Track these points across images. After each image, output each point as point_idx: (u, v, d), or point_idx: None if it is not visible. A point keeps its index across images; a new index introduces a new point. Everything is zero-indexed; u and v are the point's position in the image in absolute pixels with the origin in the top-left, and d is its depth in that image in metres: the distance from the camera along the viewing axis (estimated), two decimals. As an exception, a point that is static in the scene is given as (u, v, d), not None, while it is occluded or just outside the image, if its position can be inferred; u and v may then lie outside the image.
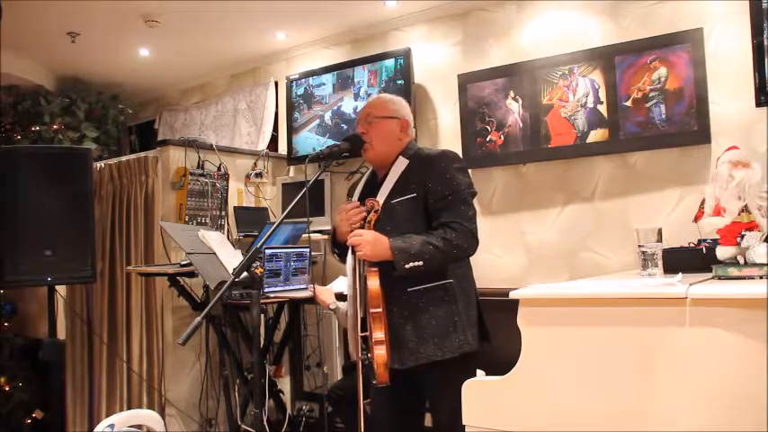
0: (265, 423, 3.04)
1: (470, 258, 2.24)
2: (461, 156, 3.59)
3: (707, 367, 1.45)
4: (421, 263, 1.98)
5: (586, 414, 1.58)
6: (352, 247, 2.03)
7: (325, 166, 2.34)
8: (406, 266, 1.96)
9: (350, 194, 2.39)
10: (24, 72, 4.65)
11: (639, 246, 1.91)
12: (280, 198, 4.29)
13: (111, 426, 2.76)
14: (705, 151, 3.00)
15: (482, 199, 3.63)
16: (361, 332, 1.98)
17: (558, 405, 1.62)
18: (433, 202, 2.09)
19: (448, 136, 3.82)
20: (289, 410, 3.74)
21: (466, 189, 2.13)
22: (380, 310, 1.95)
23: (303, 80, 4.34)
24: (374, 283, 1.96)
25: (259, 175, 4.27)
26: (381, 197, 2.14)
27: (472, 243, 2.09)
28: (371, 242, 1.98)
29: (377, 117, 2.22)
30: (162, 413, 3.48)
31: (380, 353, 1.92)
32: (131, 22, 3.99)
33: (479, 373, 2.45)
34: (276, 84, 4.69)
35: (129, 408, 3.62)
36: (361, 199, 2.20)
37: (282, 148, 4.55)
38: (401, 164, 2.18)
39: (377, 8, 3.90)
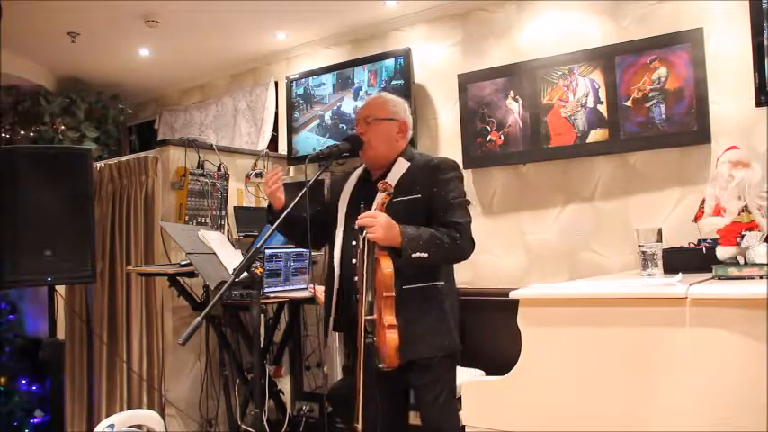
0: (265, 423, 3.04)
1: (470, 259, 2.25)
2: (461, 155, 3.62)
3: (707, 367, 1.45)
4: (426, 255, 1.98)
5: (586, 414, 1.58)
6: (361, 228, 1.98)
7: (325, 166, 2.34)
8: (413, 255, 1.96)
9: (332, 191, 2.36)
10: (24, 72, 4.64)
11: (639, 246, 1.91)
12: (280, 198, 4.28)
13: (111, 426, 2.75)
14: (705, 151, 3.00)
15: (482, 199, 3.63)
16: (368, 316, 1.92)
17: (558, 405, 1.62)
18: (438, 207, 2.12)
19: (448, 136, 3.82)
20: (289, 410, 3.74)
21: (463, 198, 2.19)
22: (393, 294, 1.89)
23: (303, 80, 4.34)
24: (389, 266, 1.89)
25: (259, 175, 4.27)
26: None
27: (471, 248, 2.13)
28: (385, 225, 1.94)
29: (376, 119, 2.23)
30: (162, 413, 3.48)
31: (393, 337, 1.86)
32: (131, 22, 3.99)
33: (479, 372, 2.46)
34: (276, 84, 4.69)
35: (129, 408, 3.62)
36: (359, 197, 2.18)
37: (282, 148, 4.55)
38: (402, 165, 2.20)
39: (377, 8, 3.90)
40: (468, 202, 2.22)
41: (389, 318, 1.89)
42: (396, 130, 2.23)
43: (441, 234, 2.03)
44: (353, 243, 2.14)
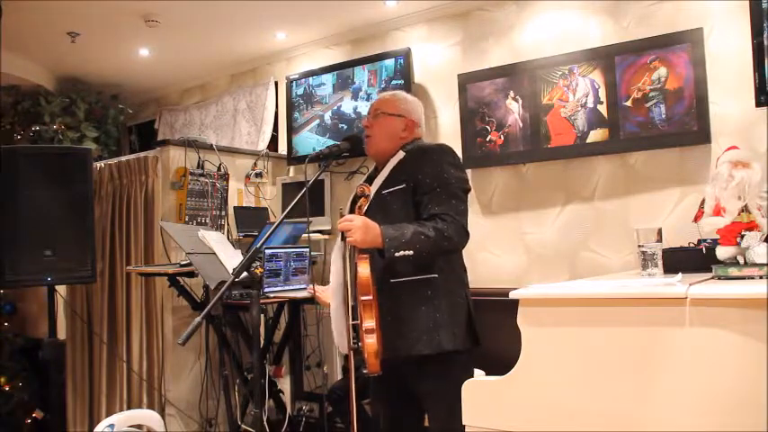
0: (265, 423, 3.04)
1: (468, 258, 2.24)
2: (461, 155, 3.60)
3: (707, 367, 1.45)
4: (411, 252, 1.95)
5: (586, 414, 1.58)
6: (342, 233, 1.99)
7: (325, 166, 2.34)
8: (396, 254, 1.94)
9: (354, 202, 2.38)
10: (24, 72, 4.64)
11: (639, 246, 1.91)
12: (280, 198, 4.29)
13: (111, 426, 2.76)
14: (705, 151, 2.99)
15: (482, 199, 3.63)
16: (353, 320, 1.96)
17: (558, 405, 1.62)
18: (422, 194, 2.08)
19: (448, 136, 3.81)
20: (289, 410, 3.74)
21: (457, 183, 2.11)
22: (371, 297, 1.91)
23: (303, 80, 4.34)
24: (365, 270, 1.92)
25: (259, 175, 4.27)
26: (374, 188, 2.15)
27: (463, 236, 2.07)
28: (362, 228, 1.94)
29: (383, 113, 2.23)
30: (162, 413, 3.48)
31: (371, 342, 1.89)
32: (131, 22, 3.99)
33: (479, 372, 2.45)
34: (276, 84, 4.69)
35: (129, 408, 3.63)
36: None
37: (282, 148, 4.55)
38: (398, 156, 2.19)
39: (377, 8, 3.90)
40: (466, 189, 2.15)
41: (368, 323, 1.90)
42: (401, 127, 2.22)
43: (425, 228, 1.98)
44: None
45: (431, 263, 2.09)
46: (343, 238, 2.01)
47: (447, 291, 2.11)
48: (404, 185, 2.10)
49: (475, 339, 2.17)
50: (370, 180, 2.25)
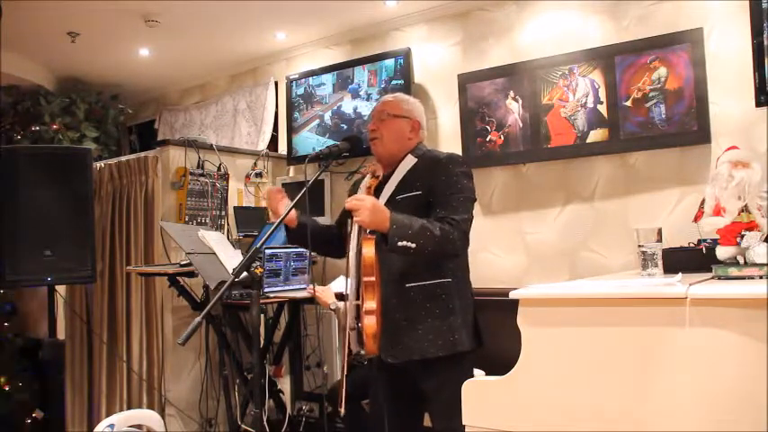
0: (265, 423, 3.04)
1: (470, 259, 2.25)
2: (461, 155, 3.60)
3: (707, 367, 1.45)
4: (414, 245, 1.93)
5: (586, 414, 1.58)
6: (351, 212, 1.98)
7: (324, 166, 2.34)
8: (399, 244, 1.92)
9: (351, 194, 2.38)
10: (24, 72, 4.64)
11: (639, 246, 1.91)
12: (280, 198, 4.28)
13: (111, 426, 2.76)
14: (705, 151, 2.99)
15: (482, 199, 3.62)
16: (356, 300, 1.96)
17: (558, 405, 1.62)
18: (435, 202, 2.09)
19: (448, 136, 3.82)
20: (289, 410, 3.74)
21: (467, 193, 2.14)
22: (374, 278, 1.90)
23: (303, 80, 4.34)
24: (369, 250, 1.91)
25: (259, 175, 4.27)
26: (387, 193, 2.16)
27: (464, 244, 2.08)
28: (371, 209, 1.92)
29: (389, 115, 2.24)
30: (162, 413, 3.48)
31: (370, 323, 1.87)
32: (131, 22, 3.99)
33: (479, 372, 2.45)
34: (276, 84, 4.69)
35: (129, 408, 3.62)
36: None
37: (282, 148, 4.55)
38: (409, 162, 2.20)
39: (377, 8, 3.90)
40: (473, 199, 2.17)
41: (369, 303, 1.89)
42: (408, 129, 2.24)
43: (432, 226, 1.98)
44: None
45: (443, 266, 2.11)
46: (350, 217, 1.99)
47: (459, 293, 2.14)
48: (419, 192, 2.12)
49: (479, 339, 2.20)
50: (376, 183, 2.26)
